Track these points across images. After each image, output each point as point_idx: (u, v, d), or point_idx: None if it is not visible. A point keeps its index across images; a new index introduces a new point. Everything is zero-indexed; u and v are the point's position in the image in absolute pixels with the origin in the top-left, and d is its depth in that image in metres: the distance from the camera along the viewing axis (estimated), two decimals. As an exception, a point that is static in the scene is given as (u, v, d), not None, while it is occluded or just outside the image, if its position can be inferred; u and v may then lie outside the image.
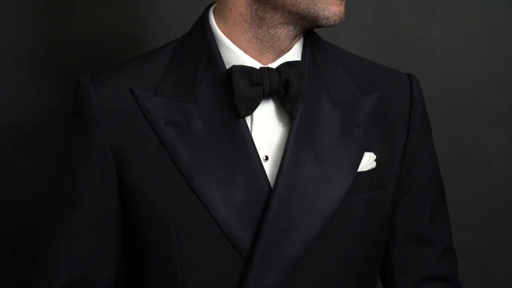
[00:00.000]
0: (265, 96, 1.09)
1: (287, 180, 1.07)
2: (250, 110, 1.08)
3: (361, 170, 1.11)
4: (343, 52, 1.21)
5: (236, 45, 1.10)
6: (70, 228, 1.11)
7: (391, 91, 1.17)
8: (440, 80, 1.73)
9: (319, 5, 1.07)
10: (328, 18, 1.07)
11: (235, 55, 1.10)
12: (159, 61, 1.14)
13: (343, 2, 1.09)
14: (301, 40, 1.14)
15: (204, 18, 1.13)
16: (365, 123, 1.12)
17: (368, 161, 1.11)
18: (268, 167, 1.09)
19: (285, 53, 1.12)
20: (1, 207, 1.66)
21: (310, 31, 1.15)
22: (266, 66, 1.10)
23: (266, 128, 1.10)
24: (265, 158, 1.10)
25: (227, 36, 1.10)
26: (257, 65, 1.10)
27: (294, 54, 1.12)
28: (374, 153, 1.13)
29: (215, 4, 1.14)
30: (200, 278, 1.08)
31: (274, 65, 1.11)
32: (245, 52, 1.10)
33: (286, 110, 1.09)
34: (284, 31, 1.09)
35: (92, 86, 1.11)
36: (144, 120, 1.09)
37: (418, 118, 1.18)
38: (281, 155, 1.08)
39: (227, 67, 1.10)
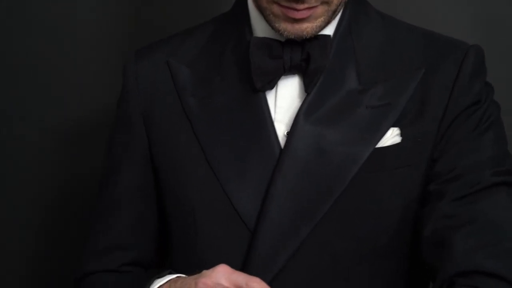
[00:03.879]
0: (286, 71, 1.06)
1: (293, 157, 1.03)
2: (270, 85, 1.06)
3: (381, 146, 1.04)
4: (394, 24, 1.12)
5: (266, 17, 1.06)
6: (111, 198, 1.15)
7: (438, 65, 1.07)
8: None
9: (270, 16, 1.04)
10: (281, 31, 1.03)
11: (264, 27, 1.07)
12: (200, 35, 1.15)
13: (303, 22, 1.02)
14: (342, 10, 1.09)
15: None
16: (397, 102, 1.05)
17: (390, 135, 1.04)
18: None
19: None
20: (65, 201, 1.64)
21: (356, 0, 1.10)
22: (290, 38, 1.06)
23: (289, 104, 1.07)
24: (286, 134, 1.06)
25: (257, 8, 1.07)
26: (280, 36, 1.06)
27: (328, 26, 1.07)
28: (402, 129, 1.04)
29: None
30: (213, 250, 1.06)
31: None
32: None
33: (305, 85, 1.05)
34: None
35: (134, 60, 1.15)
36: (174, 91, 1.11)
37: (464, 94, 1.05)
38: None
39: None
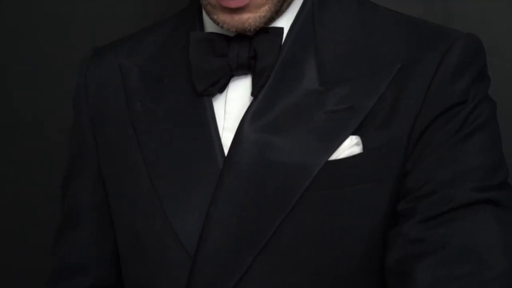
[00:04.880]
0: (233, 71, 0.90)
1: (235, 172, 0.87)
2: (214, 87, 0.91)
3: (335, 158, 0.85)
4: (372, 9, 0.94)
5: (205, 9, 0.91)
6: (69, 211, 1.04)
7: (418, 59, 0.88)
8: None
9: (208, 7, 0.89)
10: (220, 24, 0.88)
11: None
12: (159, 33, 1.01)
13: (243, 11, 0.87)
14: None
15: None
16: (361, 105, 0.87)
17: (348, 145, 0.86)
18: None
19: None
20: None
21: None
22: (241, 32, 0.91)
23: (240, 109, 0.91)
24: None
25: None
26: (232, 31, 0.91)
27: (287, 16, 0.92)
28: (365, 137, 0.86)
29: None
30: (157, 278, 0.92)
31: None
32: None
33: (252, 87, 0.90)
34: None
35: (89, 59, 1.03)
36: (123, 96, 0.98)
37: (443, 93, 0.86)
38: None
39: None
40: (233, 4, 0.86)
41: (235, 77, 0.92)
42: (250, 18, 0.87)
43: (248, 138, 0.87)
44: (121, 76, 0.99)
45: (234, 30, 0.88)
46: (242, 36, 0.91)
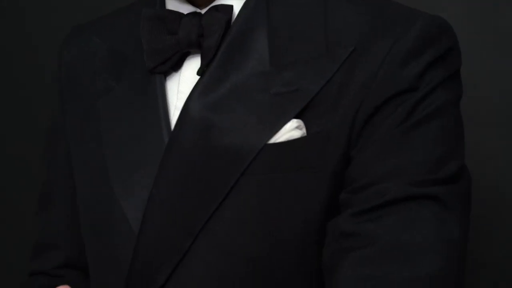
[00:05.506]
0: (183, 48, 0.88)
1: (178, 153, 0.85)
2: (165, 65, 0.89)
3: (273, 141, 0.82)
4: None
5: None
6: (49, 186, 1.05)
7: (374, 42, 0.83)
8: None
9: None
10: None
11: None
12: (132, 10, 1.00)
13: None
14: None
15: None
16: (307, 88, 0.83)
17: (288, 129, 0.82)
18: None
19: None
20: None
21: None
22: (197, 11, 0.89)
23: (191, 89, 0.88)
24: None
25: None
26: (188, 9, 0.90)
27: None
28: (308, 121, 0.82)
29: None
30: (105, 260, 0.91)
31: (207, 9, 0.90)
32: None
33: (200, 66, 0.87)
34: None
35: (66, 39, 1.03)
36: (91, 71, 0.97)
37: (392, 77, 0.81)
38: None
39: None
40: None
41: (190, 55, 0.90)
42: None
43: (193, 118, 0.85)
44: (90, 53, 0.98)
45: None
46: (194, 14, 0.88)
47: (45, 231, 1.04)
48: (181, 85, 0.89)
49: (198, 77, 0.88)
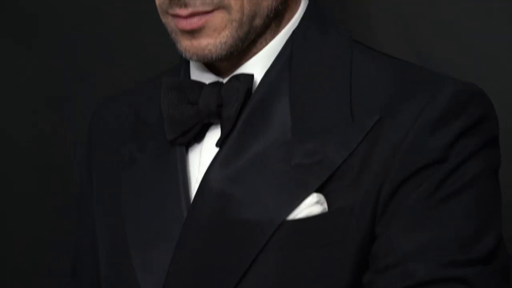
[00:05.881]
0: (204, 119, 0.85)
1: (195, 228, 0.82)
2: (185, 136, 0.86)
3: (292, 218, 0.78)
4: (361, 52, 0.86)
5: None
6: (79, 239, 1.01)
7: (399, 110, 0.79)
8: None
9: (173, 34, 0.84)
10: (182, 52, 0.84)
11: (198, 65, 0.88)
12: (161, 79, 0.96)
13: (201, 35, 0.82)
14: (285, 37, 0.86)
15: None
16: (331, 160, 0.79)
17: (307, 204, 0.78)
18: None
19: (250, 57, 0.86)
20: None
21: (306, 20, 0.86)
22: (219, 80, 0.86)
23: None
24: None
25: None
26: (211, 78, 0.87)
27: (263, 58, 0.86)
28: (329, 195, 0.78)
29: None
30: None
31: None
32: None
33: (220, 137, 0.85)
34: None
35: (99, 105, 1.02)
36: (119, 140, 0.95)
37: (418, 149, 0.77)
38: None
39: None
40: (187, 26, 0.82)
41: (212, 126, 0.87)
42: (209, 44, 0.82)
43: (211, 191, 0.82)
44: (119, 122, 0.96)
45: (196, 58, 0.84)
46: (215, 84, 0.85)
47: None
48: (202, 157, 0.86)
49: (218, 149, 0.85)
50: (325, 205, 0.78)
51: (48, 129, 1.50)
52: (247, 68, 0.86)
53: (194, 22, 0.81)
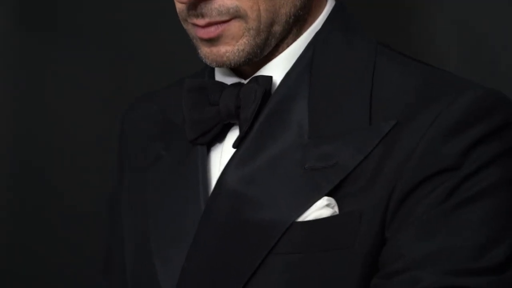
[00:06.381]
0: (224, 120, 0.86)
1: (210, 228, 0.83)
2: (206, 136, 0.87)
3: (301, 220, 0.78)
4: (387, 56, 0.85)
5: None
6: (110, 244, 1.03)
7: (416, 114, 0.79)
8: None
9: (194, 41, 0.85)
10: (203, 59, 0.85)
11: (221, 68, 0.89)
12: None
13: (219, 43, 0.83)
14: (307, 40, 0.86)
15: None
16: (345, 163, 0.79)
17: (318, 207, 0.78)
18: None
19: (271, 60, 0.87)
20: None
21: (331, 21, 0.86)
22: (241, 81, 0.87)
23: None
24: None
25: None
26: (233, 80, 0.88)
27: (284, 61, 0.86)
28: (340, 199, 0.78)
29: None
30: None
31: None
32: None
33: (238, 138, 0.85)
34: None
35: (128, 107, 1.03)
36: (147, 138, 0.96)
37: (431, 155, 0.76)
38: None
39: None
40: (205, 35, 0.83)
41: (234, 127, 0.88)
42: (228, 52, 0.83)
43: (227, 191, 0.83)
44: (148, 121, 0.98)
45: (215, 64, 0.85)
46: (236, 85, 0.86)
47: None
48: (223, 157, 0.87)
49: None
50: (336, 209, 0.78)
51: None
52: (267, 70, 0.86)
53: (212, 31, 0.82)
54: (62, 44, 1.57)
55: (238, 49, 0.83)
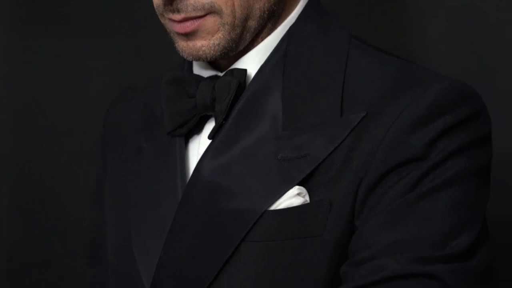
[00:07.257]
0: (201, 112, 0.88)
1: (185, 217, 0.85)
2: (183, 128, 0.89)
3: (273, 208, 0.80)
4: (360, 48, 0.87)
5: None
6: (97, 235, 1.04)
7: (385, 107, 0.80)
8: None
9: (171, 35, 0.87)
10: (180, 53, 0.87)
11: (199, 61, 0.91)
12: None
13: (195, 37, 0.85)
14: (281, 33, 0.88)
15: None
16: (316, 154, 0.81)
17: (289, 196, 0.80)
18: None
19: (246, 53, 0.89)
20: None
21: (307, 16, 0.88)
22: (218, 74, 0.89)
23: None
24: None
25: None
26: (210, 73, 0.90)
27: (258, 54, 0.88)
28: (311, 188, 0.80)
29: None
30: None
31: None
32: None
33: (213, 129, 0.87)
34: None
35: (115, 99, 1.05)
36: (132, 130, 0.98)
37: (397, 146, 0.78)
38: None
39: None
40: (181, 29, 0.85)
41: (211, 119, 0.90)
42: (203, 46, 0.85)
43: (202, 181, 0.85)
44: (134, 113, 1.00)
45: (191, 58, 0.87)
46: (212, 78, 0.88)
47: (93, 286, 1.05)
48: (200, 148, 0.89)
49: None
50: (307, 198, 0.80)
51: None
52: (242, 63, 0.88)
53: (188, 26, 0.84)
54: (62, 44, 1.59)
55: (213, 44, 0.85)
